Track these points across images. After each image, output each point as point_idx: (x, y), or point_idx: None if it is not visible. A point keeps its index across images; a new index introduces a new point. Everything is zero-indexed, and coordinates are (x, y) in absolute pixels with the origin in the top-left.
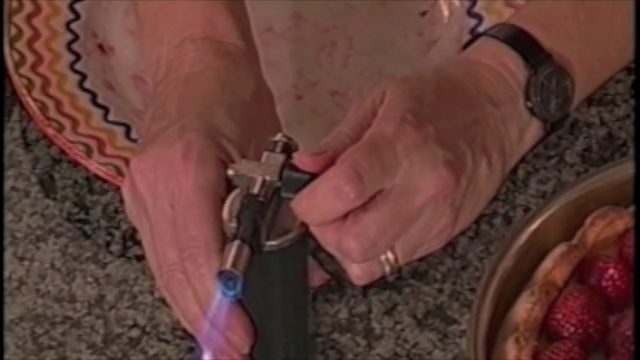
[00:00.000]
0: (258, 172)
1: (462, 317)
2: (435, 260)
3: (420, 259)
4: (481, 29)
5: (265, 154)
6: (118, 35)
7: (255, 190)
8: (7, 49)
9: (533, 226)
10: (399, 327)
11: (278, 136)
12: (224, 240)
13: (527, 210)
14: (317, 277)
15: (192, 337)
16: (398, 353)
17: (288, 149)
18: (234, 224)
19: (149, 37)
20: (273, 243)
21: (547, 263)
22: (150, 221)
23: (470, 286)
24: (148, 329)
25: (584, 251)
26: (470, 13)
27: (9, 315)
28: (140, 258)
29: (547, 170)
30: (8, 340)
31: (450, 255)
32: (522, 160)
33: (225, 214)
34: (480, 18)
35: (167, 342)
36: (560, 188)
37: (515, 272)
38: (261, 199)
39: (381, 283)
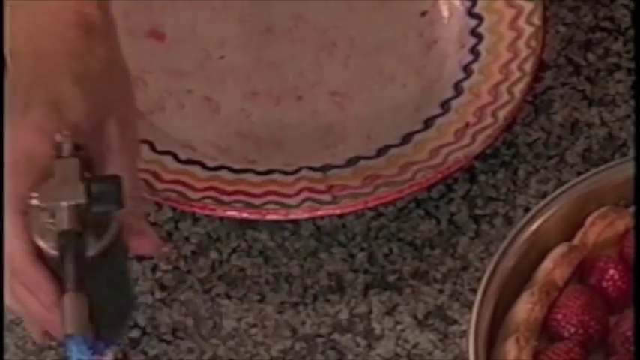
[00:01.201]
0: (63, 198)
1: (463, 317)
2: (435, 260)
3: (421, 260)
4: (481, 29)
5: (57, 162)
6: (118, 35)
7: (67, 223)
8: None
9: (534, 227)
10: (399, 327)
11: (60, 137)
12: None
13: (527, 210)
14: (148, 243)
15: (191, 338)
16: (398, 353)
17: (79, 148)
18: (50, 248)
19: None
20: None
21: (547, 263)
22: None
23: (470, 286)
24: (148, 330)
25: (585, 251)
26: (470, 13)
27: (9, 315)
28: (140, 258)
29: (547, 170)
30: (8, 340)
31: (450, 255)
32: (523, 160)
33: (35, 237)
34: (480, 18)
35: (167, 342)
36: (561, 188)
37: (516, 272)
38: (76, 231)
39: (381, 284)
